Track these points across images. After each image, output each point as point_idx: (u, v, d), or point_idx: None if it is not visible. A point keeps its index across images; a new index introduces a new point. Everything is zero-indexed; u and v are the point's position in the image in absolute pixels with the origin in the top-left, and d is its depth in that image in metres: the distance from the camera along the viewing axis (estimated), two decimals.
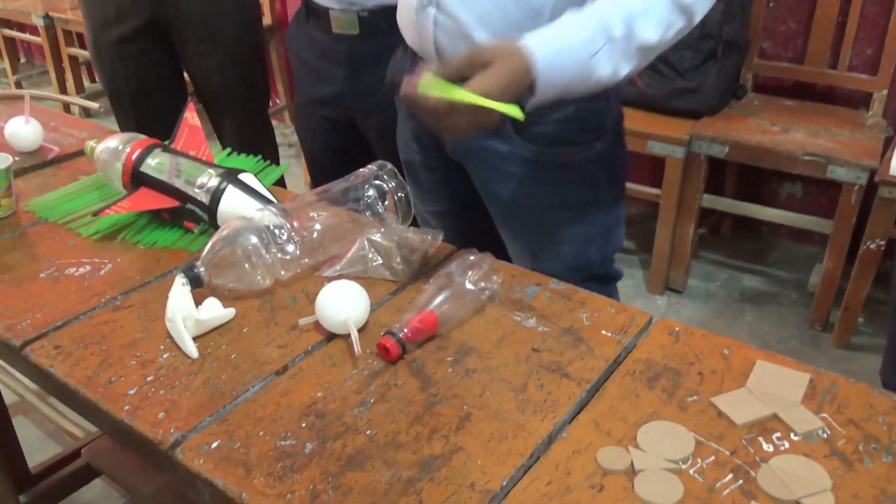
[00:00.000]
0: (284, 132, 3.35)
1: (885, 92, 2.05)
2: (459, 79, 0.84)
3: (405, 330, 0.79)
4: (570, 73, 0.90)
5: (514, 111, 0.83)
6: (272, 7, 3.03)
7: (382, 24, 1.48)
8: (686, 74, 2.07)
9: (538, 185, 1.13)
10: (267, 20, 3.03)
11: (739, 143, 1.95)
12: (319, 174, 1.70)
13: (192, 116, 1.11)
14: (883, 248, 1.84)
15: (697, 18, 0.97)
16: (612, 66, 0.92)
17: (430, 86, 0.84)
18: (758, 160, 1.97)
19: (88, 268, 0.95)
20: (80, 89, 3.67)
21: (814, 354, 2.01)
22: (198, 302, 0.83)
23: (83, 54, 3.51)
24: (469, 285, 0.86)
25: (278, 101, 3.32)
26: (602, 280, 1.23)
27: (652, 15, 0.92)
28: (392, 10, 1.46)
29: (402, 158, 1.30)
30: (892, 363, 1.20)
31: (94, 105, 1.65)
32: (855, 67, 2.12)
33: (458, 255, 0.93)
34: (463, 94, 0.81)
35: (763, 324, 2.13)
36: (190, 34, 1.74)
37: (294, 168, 2.90)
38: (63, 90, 3.57)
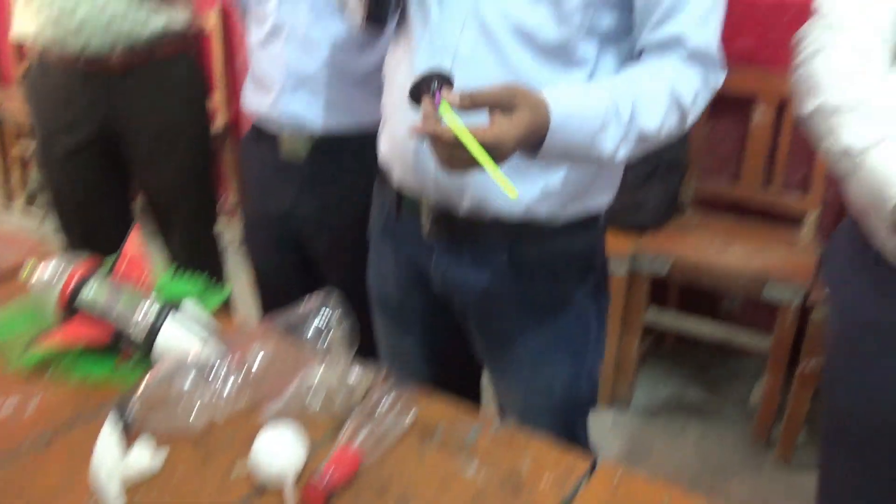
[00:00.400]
0: (234, 232, 3.34)
1: (817, 212, 2.14)
2: (480, 108, 0.84)
3: (328, 476, 0.77)
4: (579, 139, 0.91)
5: (509, 188, 0.82)
6: (228, 108, 3.07)
7: (332, 146, 1.51)
8: (629, 191, 2.14)
9: (533, 322, 1.13)
10: (221, 121, 3.07)
11: (680, 261, 2.01)
12: (266, 291, 1.69)
13: (135, 241, 1.10)
14: (820, 366, 1.89)
15: (689, 122, 1.00)
16: (615, 145, 0.94)
17: (446, 113, 0.84)
18: (698, 278, 2.03)
19: (14, 403, 0.92)
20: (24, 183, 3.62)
21: (757, 471, 2.02)
22: (129, 442, 0.80)
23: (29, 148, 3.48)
24: (388, 416, 0.85)
25: (230, 200, 3.32)
26: (589, 409, 1.24)
27: (654, 105, 0.95)
28: (341, 134, 1.50)
29: (376, 291, 1.28)
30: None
31: None
32: (788, 187, 2.22)
33: (378, 386, 0.93)
34: (471, 143, 0.81)
35: (707, 439, 2.14)
36: (141, 147, 1.74)
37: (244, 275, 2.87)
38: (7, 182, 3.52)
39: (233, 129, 3.08)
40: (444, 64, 0.97)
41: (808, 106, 1.01)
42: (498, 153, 0.83)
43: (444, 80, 0.87)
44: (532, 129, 0.86)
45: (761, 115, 2.16)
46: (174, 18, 1.74)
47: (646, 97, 0.95)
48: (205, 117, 1.89)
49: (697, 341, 2.46)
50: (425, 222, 1.11)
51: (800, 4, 1.95)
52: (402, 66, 1.08)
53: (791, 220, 2.24)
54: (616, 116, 0.93)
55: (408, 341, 1.27)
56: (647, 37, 0.99)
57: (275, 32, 1.47)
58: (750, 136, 2.21)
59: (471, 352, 1.24)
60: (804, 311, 1.92)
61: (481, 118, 0.85)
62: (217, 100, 3.04)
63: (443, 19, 0.99)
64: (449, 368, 1.28)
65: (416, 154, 1.05)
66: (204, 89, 1.90)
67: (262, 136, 1.54)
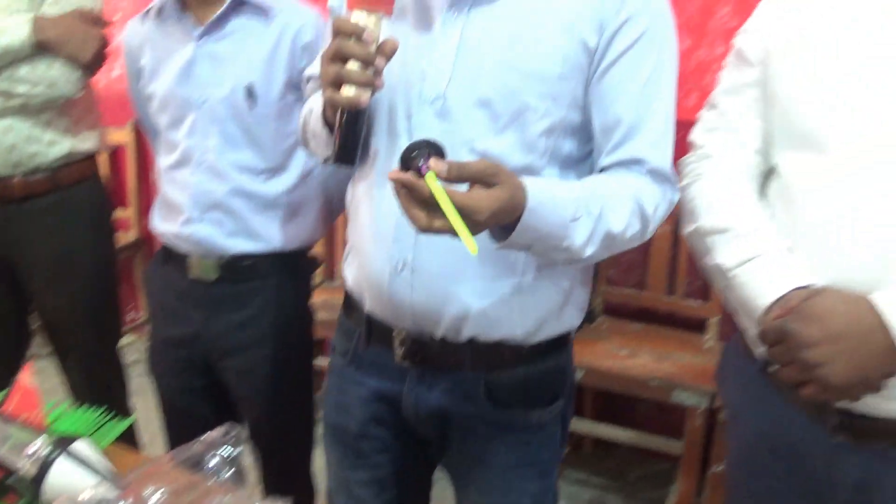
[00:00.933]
0: (144, 347, 3.24)
1: (718, 318, 2.24)
2: (464, 181, 0.85)
3: None
4: (551, 226, 0.93)
5: (471, 243, 0.83)
6: (139, 222, 3.04)
7: (242, 269, 1.52)
8: None
9: (505, 445, 1.14)
10: (133, 235, 3.03)
11: (592, 368, 2.06)
12: (173, 415, 1.64)
13: (27, 378, 1.06)
14: None
15: (649, 232, 1.05)
16: (585, 238, 0.96)
17: (432, 181, 0.84)
18: (609, 384, 2.07)
19: None
20: None
21: None
22: None
23: None
24: None
25: (140, 314, 3.23)
26: None
27: (620, 208, 0.99)
28: (251, 255, 1.52)
29: (332, 422, 1.25)
30: None
31: None
32: (690, 294, 2.32)
33: None
34: (446, 202, 0.82)
35: None
36: (39, 274, 1.70)
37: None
38: None
39: (145, 244, 3.04)
40: None
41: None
42: (471, 220, 0.84)
43: (435, 150, 0.88)
44: (508, 206, 0.88)
45: (660, 227, 2.28)
46: (80, 142, 1.73)
47: (613, 199, 0.99)
48: (108, 240, 1.87)
49: (613, 445, 2.49)
50: (398, 349, 1.12)
51: None
52: (366, 201, 1.11)
53: (695, 326, 2.33)
54: (587, 211, 0.96)
55: (360, 475, 1.23)
56: (607, 159, 1.04)
57: (184, 159, 1.50)
58: (652, 246, 2.32)
59: (426, 478, 1.26)
60: (712, 414, 1.98)
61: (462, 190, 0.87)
62: (129, 214, 3.01)
63: None
64: (401, 498, 1.27)
65: (390, 285, 1.07)
66: (108, 211, 1.88)
67: (171, 258, 1.55)
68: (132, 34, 1.57)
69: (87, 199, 1.77)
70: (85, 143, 1.75)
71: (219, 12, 1.46)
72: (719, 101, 1.17)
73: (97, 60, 1.65)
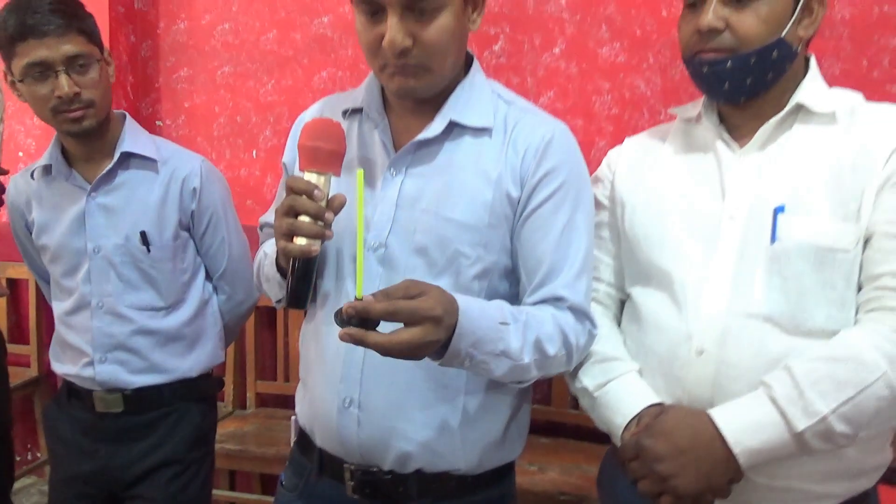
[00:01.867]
0: (43, 489, 3.07)
1: None
2: (392, 303, 0.93)
3: None
4: (484, 329, 1.00)
5: (359, 289, 0.94)
6: (39, 359, 2.94)
7: (147, 399, 1.54)
8: None
9: None
10: (32, 372, 2.93)
11: None
12: None
13: None
14: None
15: (574, 361, 1.14)
16: (519, 343, 1.04)
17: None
18: (523, 500, 2.09)
19: None
20: None
21: None
22: None
23: None
24: None
25: (39, 455, 3.08)
26: None
27: (545, 324, 1.08)
28: (155, 386, 1.54)
29: None
30: None
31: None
32: None
33: None
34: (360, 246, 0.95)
35: None
36: None
37: None
38: None
39: (44, 381, 2.93)
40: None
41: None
42: (428, 317, 0.93)
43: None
44: (447, 303, 0.96)
45: None
46: None
47: (537, 317, 1.09)
48: (2, 381, 1.84)
49: None
50: (349, 482, 1.16)
51: None
52: (315, 340, 1.19)
53: (602, 438, 2.39)
54: (514, 318, 1.05)
55: None
56: (530, 298, 1.14)
57: (81, 305, 1.54)
58: None
59: None
60: None
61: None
62: (29, 350, 2.91)
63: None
64: None
65: (338, 421, 1.13)
66: (2, 351, 1.87)
67: (74, 394, 1.57)
68: (17, 192, 1.62)
69: None
70: None
71: (108, 167, 1.53)
72: None
73: None
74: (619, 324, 1.28)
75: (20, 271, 2.87)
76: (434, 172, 1.15)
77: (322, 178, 1.03)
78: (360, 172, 0.99)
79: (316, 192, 1.01)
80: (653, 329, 1.18)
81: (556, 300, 1.13)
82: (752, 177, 1.14)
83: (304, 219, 1.01)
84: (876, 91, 1.90)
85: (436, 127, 1.14)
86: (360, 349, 1.02)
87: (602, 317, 1.25)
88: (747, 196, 1.13)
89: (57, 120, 1.46)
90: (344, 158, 1.06)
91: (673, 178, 1.22)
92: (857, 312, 1.07)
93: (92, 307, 1.53)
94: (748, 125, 1.18)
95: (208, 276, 1.69)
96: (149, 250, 1.53)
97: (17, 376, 2.81)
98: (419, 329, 0.94)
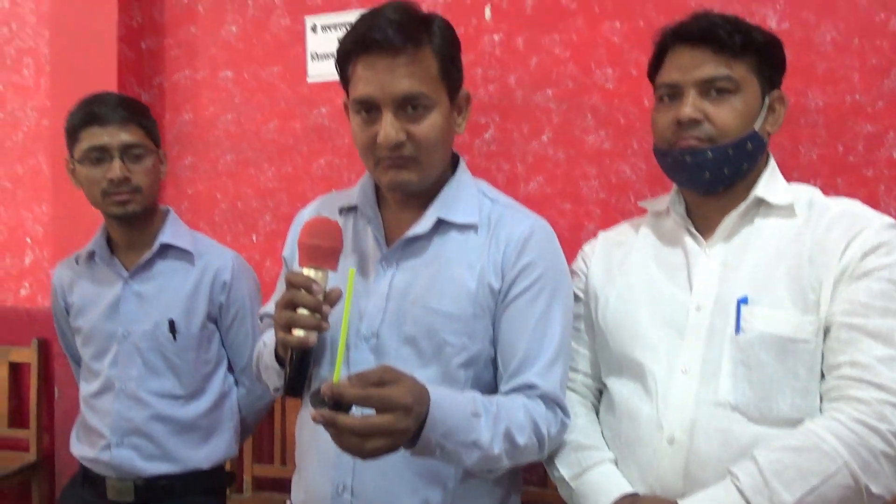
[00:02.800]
0: None
1: None
2: (366, 390, 0.97)
3: None
4: (455, 419, 1.03)
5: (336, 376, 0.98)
6: (38, 445, 2.95)
7: (158, 489, 1.57)
8: None
9: None
10: (32, 456, 2.93)
11: None
12: None
13: None
14: None
15: (546, 450, 1.16)
16: (490, 435, 1.07)
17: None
18: None
19: None
20: None
21: None
22: None
23: None
24: None
25: None
26: None
27: (515, 414, 1.11)
28: (168, 476, 1.56)
29: None
30: None
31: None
32: None
33: None
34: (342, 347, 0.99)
35: None
36: None
37: None
38: None
39: (43, 466, 2.93)
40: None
41: None
42: (398, 405, 0.97)
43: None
44: (418, 392, 1.00)
45: None
46: None
47: (508, 407, 1.13)
48: None
49: None
50: None
51: None
52: (309, 427, 1.23)
53: None
54: (485, 409, 1.09)
55: None
56: (505, 386, 1.19)
57: (106, 387, 1.59)
58: None
59: None
60: None
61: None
62: (29, 434, 2.92)
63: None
64: None
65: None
66: None
67: (88, 480, 1.59)
68: (61, 275, 1.70)
69: None
70: None
71: (147, 256, 1.60)
72: None
73: None
74: (597, 413, 1.31)
75: (23, 355, 2.91)
76: (423, 266, 1.21)
77: (320, 274, 1.09)
78: (351, 272, 1.05)
79: (314, 286, 1.06)
80: (626, 418, 1.21)
81: (528, 388, 1.17)
82: (717, 269, 1.19)
83: (302, 311, 1.06)
84: (853, 175, 1.96)
85: (425, 224, 1.21)
86: None
87: (579, 406, 1.29)
88: (713, 288, 1.18)
89: (105, 202, 1.56)
90: (340, 254, 1.11)
91: (643, 270, 1.28)
92: (821, 401, 1.10)
93: (115, 390, 1.58)
94: (713, 217, 1.23)
95: (230, 369, 1.73)
96: (175, 338, 1.59)
97: (15, 461, 2.82)
98: (389, 416, 0.97)
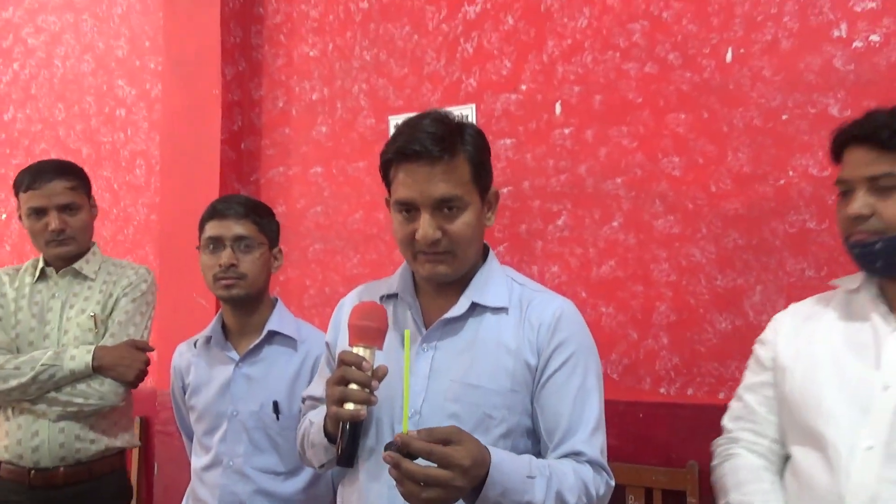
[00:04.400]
0: None
1: None
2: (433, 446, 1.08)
3: None
4: (513, 481, 1.14)
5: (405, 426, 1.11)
6: None
7: None
8: None
9: None
10: None
11: None
12: None
13: None
14: None
15: None
16: (542, 496, 1.16)
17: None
18: None
19: None
20: None
21: None
22: None
23: None
24: None
25: None
26: None
27: (567, 476, 1.21)
28: None
29: None
30: None
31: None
32: None
33: None
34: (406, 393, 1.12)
35: None
36: None
37: None
38: None
39: None
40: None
41: (721, 501, 1.39)
42: (458, 466, 1.07)
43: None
44: (478, 456, 1.11)
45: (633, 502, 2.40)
46: (114, 441, 2.01)
47: (560, 470, 1.23)
48: None
49: None
50: None
51: (652, 405, 2.32)
52: (356, 496, 1.33)
53: None
54: (540, 472, 1.19)
55: None
56: (552, 455, 1.29)
57: (215, 462, 1.74)
58: None
59: None
60: None
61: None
62: None
63: None
64: None
65: None
66: (129, 501, 2.09)
67: None
68: (180, 357, 1.90)
69: (114, 490, 2.05)
70: (117, 441, 2.05)
71: (256, 342, 1.78)
72: (743, 395, 1.46)
73: (139, 378, 2.02)
74: (781, 477, 1.37)
75: None
76: (460, 346, 1.33)
77: (368, 352, 1.21)
78: (406, 333, 1.18)
79: (364, 363, 1.19)
80: (807, 488, 1.26)
81: (575, 455, 1.27)
82: None
83: (353, 387, 1.18)
84: None
85: (460, 307, 1.34)
86: None
87: (764, 471, 1.35)
88: None
89: (215, 286, 1.77)
90: (386, 334, 1.24)
91: (830, 345, 1.33)
92: None
93: (223, 465, 1.73)
94: None
95: None
96: (278, 418, 1.74)
97: None
98: (447, 472, 1.09)
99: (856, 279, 1.37)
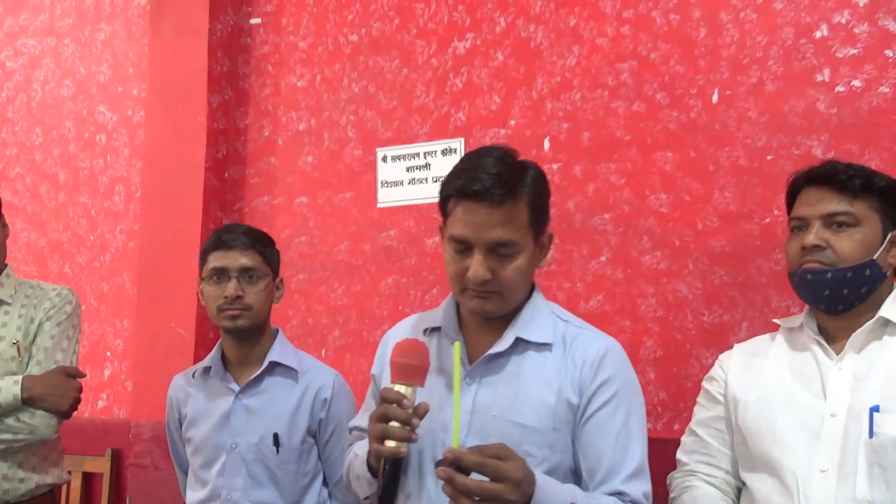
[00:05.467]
0: None
1: None
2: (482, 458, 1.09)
3: None
4: (557, 503, 1.14)
5: (455, 440, 1.13)
6: None
7: None
8: None
9: None
10: None
11: None
12: None
13: None
14: None
15: None
16: None
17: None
18: None
19: None
20: None
21: None
22: None
23: None
24: None
25: None
26: None
27: None
28: None
29: None
30: None
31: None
32: None
33: None
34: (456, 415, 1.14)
35: None
36: None
37: None
38: None
39: None
40: None
41: None
42: (510, 479, 1.09)
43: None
44: (527, 473, 1.11)
45: None
46: (45, 477, 1.89)
47: (601, 502, 1.23)
48: None
49: None
50: None
51: None
52: None
53: None
54: (583, 501, 1.20)
55: None
56: (594, 492, 1.28)
57: (212, 496, 1.71)
58: None
59: None
60: None
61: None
62: None
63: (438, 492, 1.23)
64: None
65: None
66: None
67: None
68: (177, 388, 1.85)
69: None
70: (49, 477, 1.91)
71: (257, 373, 1.75)
72: (696, 429, 1.54)
73: (73, 408, 1.87)
74: None
75: (96, 465, 3.02)
76: (504, 382, 1.33)
77: (410, 389, 1.21)
78: (456, 345, 1.18)
79: (405, 401, 1.18)
80: None
81: (618, 494, 1.26)
82: (849, 380, 1.33)
83: (394, 424, 1.17)
84: None
85: (505, 342, 1.34)
86: None
87: (721, 501, 1.41)
88: (845, 397, 1.32)
89: (219, 316, 1.73)
90: (427, 371, 1.24)
91: (779, 379, 1.42)
92: None
93: (221, 499, 1.68)
94: (842, 333, 1.39)
95: (325, 483, 1.83)
96: (278, 451, 1.71)
97: None
98: (500, 486, 1.09)
99: (797, 318, 1.48)
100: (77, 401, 1.87)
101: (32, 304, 1.93)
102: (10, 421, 1.78)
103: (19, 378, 1.80)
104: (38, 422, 1.80)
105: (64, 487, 2.87)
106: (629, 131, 2.41)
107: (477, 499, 1.09)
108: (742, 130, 2.26)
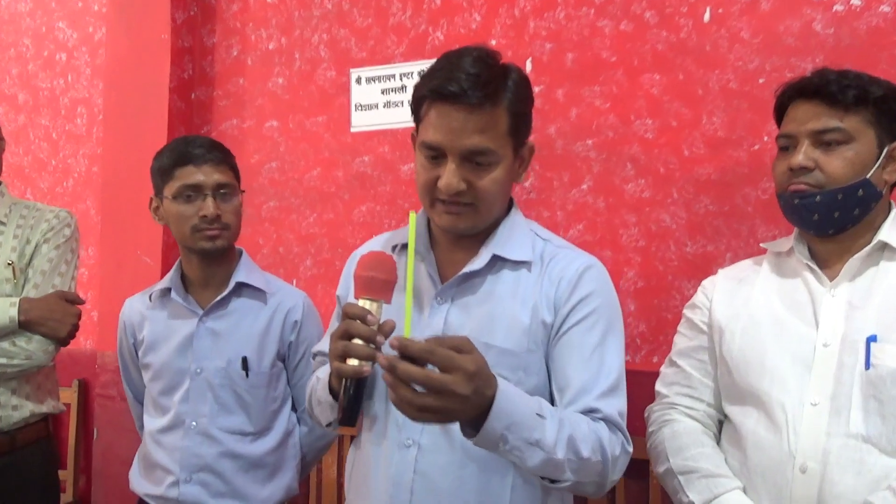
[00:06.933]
0: None
1: None
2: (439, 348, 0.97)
3: None
4: (520, 414, 1.03)
5: (407, 327, 1.01)
6: (75, 485, 2.96)
7: None
8: None
9: None
10: (69, 497, 2.94)
11: None
12: None
13: None
14: None
15: (609, 478, 1.14)
16: (554, 437, 1.05)
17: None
18: None
19: None
20: None
21: None
22: None
23: None
24: None
25: None
26: None
27: (580, 425, 1.11)
28: None
29: None
30: None
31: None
32: None
33: None
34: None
35: None
36: None
37: None
38: None
39: None
40: (408, 454, 1.16)
41: (660, 467, 1.34)
42: (462, 371, 0.96)
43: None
44: (485, 371, 0.99)
45: None
46: (39, 406, 1.81)
47: (571, 418, 1.12)
48: (55, 500, 1.88)
49: None
50: None
51: None
52: (363, 461, 1.25)
53: None
54: (550, 413, 1.08)
55: None
56: (567, 410, 1.17)
57: (175, 424, 1.62)
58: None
59: None
60: None
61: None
62: (66, 476, 2.94)
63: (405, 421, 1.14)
64: None
65: None
66: (56, 472, 1.93)
67: None
68: (131, 311, 1.74)
69: (39, 460, 1.82)
70: (43, 406, 1.83)
71: (223, 294, 1.64)
72: (676, 360, 1.45)
73: (71, 335, 1.79)
74: (717, 442, 1.36)
75: (64, 396, 2.94)
76: (477, 302, 1.23)
77: (375, 305, 1.11)
78: (412, 214, 1.09)
79: (369, 317, 1.08)
80: (753, 448, 1.25)
81: (590, 412, 1.17)
82: (843, 308, 1.25)
83: (357, 342, 1.08)
84: None
85: (481, 260, 1.24)
86: (409, 472, 1.11)
87: (703, 435, 1.34)
88: (839, 326, 1.24)
89: (195, 237, 1.61)
90: (395, 287, 1.14)
91: (768, 306, 1.33)
92: None
93: (185, 426, 1.60)
94: (835, 259, 1.30)
95: (294, 408, 1.76)
96: (247, 375, 1.63)
97: None
98: (449, 377, 0.97)
99: (786, 242, 1.38)
100: (75, 327, 1.79)
101: (29, 225, 1.83)
102: (4, 345, 1.69)
103: (16, 300, 1.71)
104: (35, 347, 1.72)
105: None
106: (615, 52, 2.29)
107: (421, 390, 0.98)
108: (734, 52, 2.14)
